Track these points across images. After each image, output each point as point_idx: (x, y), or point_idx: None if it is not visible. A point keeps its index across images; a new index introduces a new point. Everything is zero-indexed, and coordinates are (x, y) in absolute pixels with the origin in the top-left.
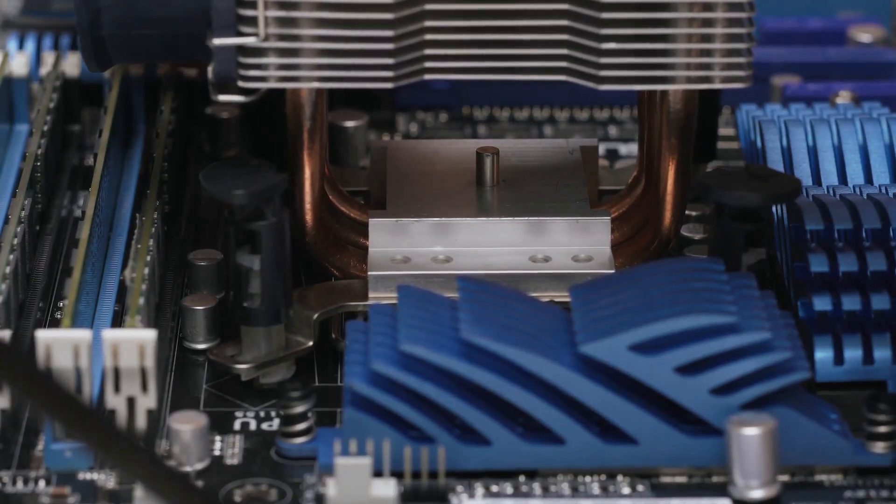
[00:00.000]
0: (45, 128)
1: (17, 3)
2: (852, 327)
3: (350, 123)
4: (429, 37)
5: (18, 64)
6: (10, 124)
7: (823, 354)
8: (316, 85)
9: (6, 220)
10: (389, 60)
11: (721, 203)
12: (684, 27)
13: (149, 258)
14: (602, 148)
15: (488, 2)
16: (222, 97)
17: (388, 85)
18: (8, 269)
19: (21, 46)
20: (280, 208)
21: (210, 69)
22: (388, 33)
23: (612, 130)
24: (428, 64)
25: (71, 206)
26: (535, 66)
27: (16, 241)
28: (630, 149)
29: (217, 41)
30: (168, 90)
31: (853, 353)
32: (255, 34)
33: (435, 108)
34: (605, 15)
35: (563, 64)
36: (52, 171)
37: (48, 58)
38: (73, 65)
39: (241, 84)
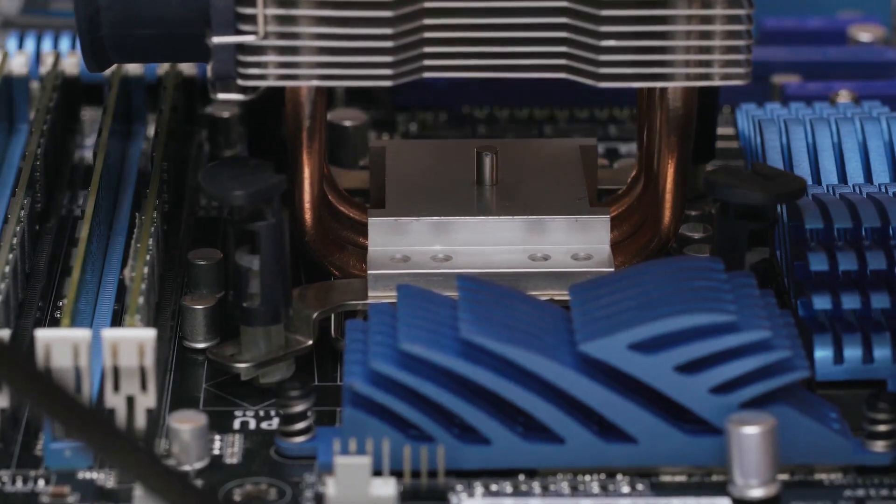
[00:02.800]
0: (45, 127)
1: (16, 3)
2: (852, 326)
3: (350, 123)
4: (428, 34)
5: (18, 63)
6: (10, 123)
7: (823, 353)
8: (315, 83)
9: (6, 220)
10: (389, 58)
11: (726, 201)
12: (683, 24)
13: (148, 257)
14: (602, 147)
15: None
16: (222, 96)
17: (388, 83)
18: (8, 269)
19: (21, 46)
20: (279, 208)
21: (209, 68)
22: (388, 31)
23: (612, 130)
24: (427, 62)
25: (70, 205)
26: (535, 63)
27: (15, 241)
28: (630, 148)
29: (216, 40)
30: (167, 89)
31: (853, 352)
32: (255, 32)
33: (435, 107)
34: (605, 12)
35: (563, 61)
36: (52, 170)
37: (48, 57)
38: (72, 64)
39: (240, 82)
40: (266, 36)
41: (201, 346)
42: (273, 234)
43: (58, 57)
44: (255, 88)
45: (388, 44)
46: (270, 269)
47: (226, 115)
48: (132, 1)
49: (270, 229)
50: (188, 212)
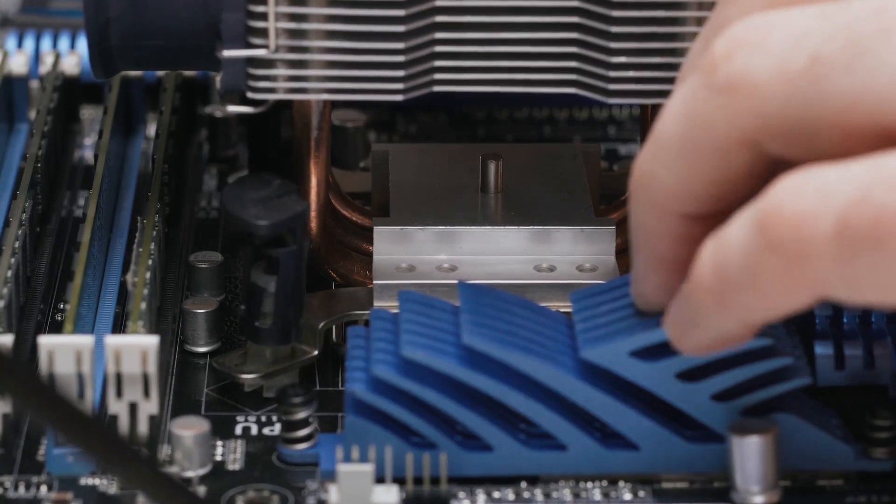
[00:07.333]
0: (46, 128)
1: (15, 1)
2: (853, 331)
3: (349, 124)
4: (439, 49)
5: (17, 63)
6: (10, 123)
7: (824, 359)
8: (325, 97)
9: (7, 223)
10: (400, 73)
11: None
12: (693, 41)
13: (150, 262)
14: (601, 148)
15: (499, 14)
16: (231, 108)
17: (399, 97)
18: (9, 273)
19: (20, 45)
20: (302, 235)
21: (218, 80)
22: (399, 45)
23: (612, 130)
24: (437, 76)
25: (71, 206)
26: (545, 77)
27: (17, 244)
28: (629, 149)
29: (227, 53)
30: (168, 90)
31: (854, 358)
32: (266, 46)
33: (434, 108)
34: (616, 29)
35: (573, 76)
36: (52, 171)
37: (47, 57)
38: (72, 64)
39: (250, 95)
40: (277, 50)
41: (202, 350)
42: (293, 261)
43: (58, 57)
44: (264, 101)
45: (399, 58)
46: (286, 292)
47: (220, 114)
48: (142, 12)
49: (291, 256)
50: (189, 213)
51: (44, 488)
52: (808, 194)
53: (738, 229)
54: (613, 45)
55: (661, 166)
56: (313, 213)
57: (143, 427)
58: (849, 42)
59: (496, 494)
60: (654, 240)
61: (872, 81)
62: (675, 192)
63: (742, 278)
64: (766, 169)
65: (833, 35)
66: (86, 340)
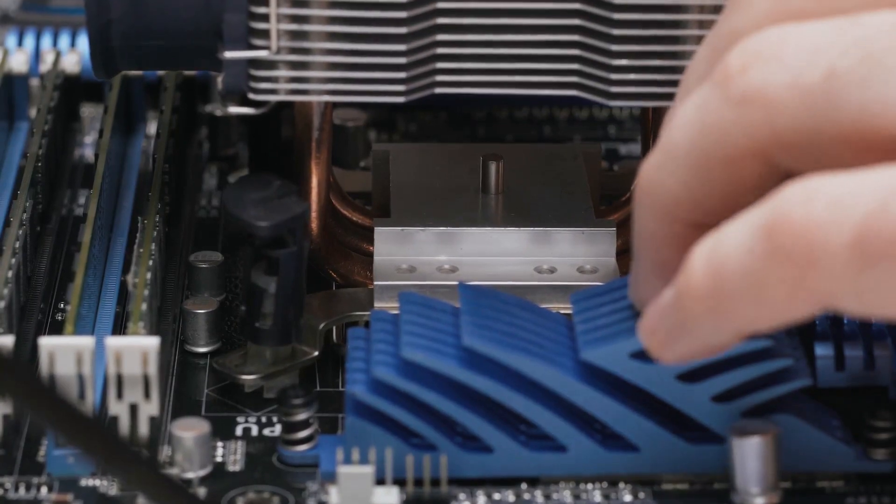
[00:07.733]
0: (46, 127)
1: None
2: (854, 332)
3: (349, 123)
4: (441, 51)
5: (18, 61)
6: (10, 122)
7: (825, 360)
8: (327, 98)
9: (7, 223)
10: (401, 74)
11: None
12: (695, 44)
13: (151, 262)
14: (602, 148)
15: (500, 16)
16: (233, 109)
17: (400, 99)
18: (10, 273)
19: (20, 43)
20: (301, 236)
21: (220, 81)
22: (401, 47)
23: (612, 130)
24: (439, 77)
25: (71, 204)
26: (546, 80)
27: (17, 244)
28: (630, 149)
29: (228, 54)
30: (168, 90)
31: (855, 359)
32: (267, 47)
33: (434, 108)
34: (617, 32)
35: (575, 79)
36: (53, 169)
37: (48, 55)
38: (72, 62)
39: (251, 96)
40: (278, 51)
41: (203, 350)
42: (293, 262)
43: (58, 55)
44: (265, 102)
45: (401, 60)
46: (286, 293)
47: (220, 113)
48: (144, 13)
49: (291, 257)
50: (189, 213)
51: (44, 489)
52: (820, 202)
53: (738, 234)
54: (615, 47)
55: (669, 174)
56: (314, 214)
57: (143, 428)
58: (863, 57)
59: (496, 496)
60: (657, 245)
61: (887, 96)
62: (682, 201)
63: (742, 286)
64: (775, 181)
65: (847, 49)
66: (86, 341)
